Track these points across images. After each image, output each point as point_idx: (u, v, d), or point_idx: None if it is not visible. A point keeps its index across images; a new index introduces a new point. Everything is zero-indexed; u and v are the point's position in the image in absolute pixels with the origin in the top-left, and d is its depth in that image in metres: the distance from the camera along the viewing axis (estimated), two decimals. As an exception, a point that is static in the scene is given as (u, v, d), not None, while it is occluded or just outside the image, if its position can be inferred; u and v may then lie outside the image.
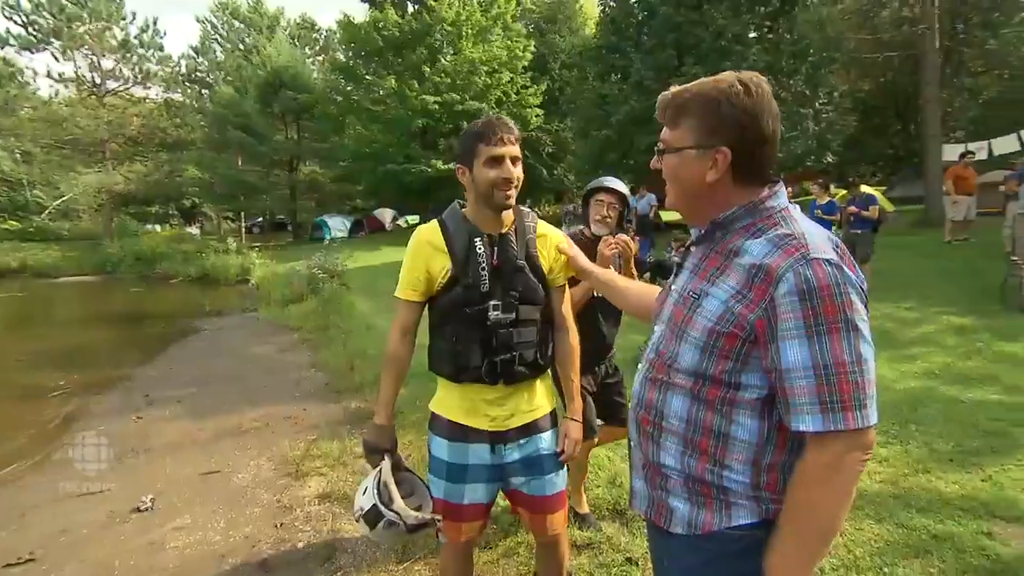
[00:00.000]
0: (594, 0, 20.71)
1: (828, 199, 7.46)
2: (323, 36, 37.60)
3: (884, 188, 15.01)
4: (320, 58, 35.63)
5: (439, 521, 1.45)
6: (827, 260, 0.83)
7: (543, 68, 25.36)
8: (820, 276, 0.81)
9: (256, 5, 29.29)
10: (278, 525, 2.77)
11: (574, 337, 1.62)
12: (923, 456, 3.01)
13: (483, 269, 1.43)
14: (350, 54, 23.20)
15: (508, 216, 1.50)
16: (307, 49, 35.59)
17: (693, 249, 1.03)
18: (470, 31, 21.21)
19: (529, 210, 1.58)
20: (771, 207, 0.93)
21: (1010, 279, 5.87)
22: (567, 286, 1.63)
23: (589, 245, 2.02)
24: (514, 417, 1.51)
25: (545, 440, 1.56)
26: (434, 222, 1.52)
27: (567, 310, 1.61)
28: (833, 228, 6.90)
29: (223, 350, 7.19)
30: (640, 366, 1.08)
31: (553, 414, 1.62)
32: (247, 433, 4.10)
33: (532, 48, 23.23)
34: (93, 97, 25.24)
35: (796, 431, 0.84)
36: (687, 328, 0.94)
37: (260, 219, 32.63)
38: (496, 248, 1.45)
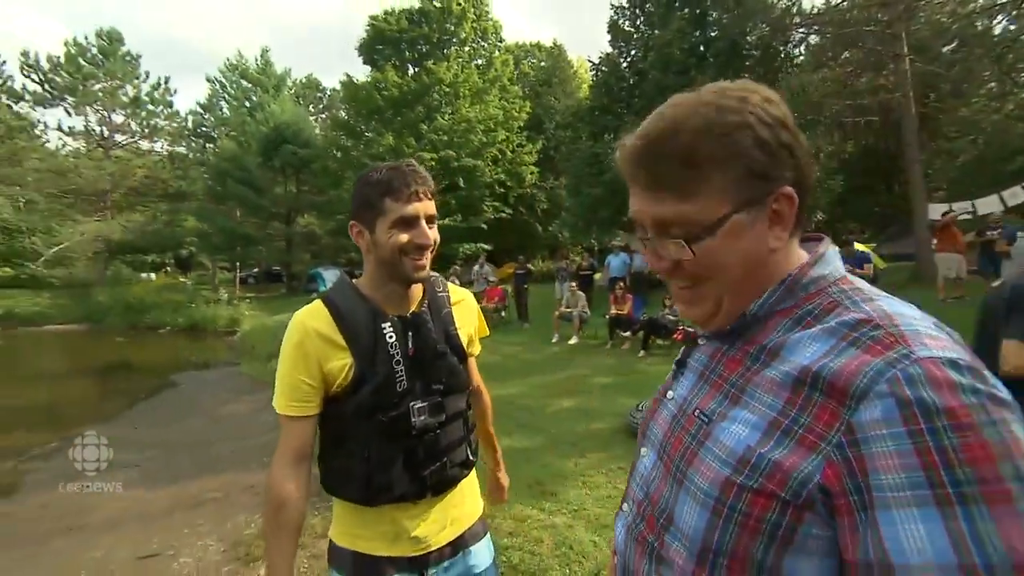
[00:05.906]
0: (587, 65, 21.72)
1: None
2: (327, 95, 39.17)
3: (874, 245, 15.20)
4: (323, 116, 36.94)
5: None
6: (950, 361, 0.46)
7: (539, 128, 26.27)
8: (945, 390, 0.44)
9: (264, 66, 30.51)
10: (214, 622, 2.45)
11: (486, 394, 1.50)
12: None
13: (397, 363, 1.10)
14: (351, 112, 24.01)
15: (417, 290, 1.20)
16: (311, 107, 36.99)
17: (702, 342, 0.69)
18: (467, 92, 22.09)
19: (438, 275, 1.28)
20: (818, 276, 0.59)
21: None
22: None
23: None
24: (444, 530, 1.21)
25: (479, 555, 1.26)
26: (317, 305, 1.13)
27: (477, 373, 1.43)
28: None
29: (196, 408, 6.90)
30: (624, 506, 0.72)
31: (483, 518, 1.33)
32: (203, 506, 3.80)
33: (528, 109, 24.13)
34: (100, 149, 25.82)
35: None
36: (688, 470, 0.59)
37: (256, 269, 32.71)
38: (411, 333, 1.14)
